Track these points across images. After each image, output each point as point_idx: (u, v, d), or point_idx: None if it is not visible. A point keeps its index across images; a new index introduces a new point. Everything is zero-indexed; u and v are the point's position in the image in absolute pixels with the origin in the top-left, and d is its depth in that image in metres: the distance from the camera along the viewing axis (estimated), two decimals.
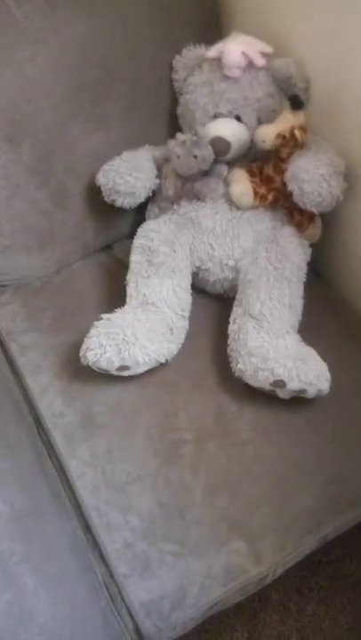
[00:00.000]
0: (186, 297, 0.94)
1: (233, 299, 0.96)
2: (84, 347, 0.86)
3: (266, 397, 0.88)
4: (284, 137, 0.89)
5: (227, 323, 0.93)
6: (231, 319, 0.92)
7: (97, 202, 1.01)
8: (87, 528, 0.79)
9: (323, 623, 1.10)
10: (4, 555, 0.71)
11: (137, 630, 0.73)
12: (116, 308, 0.93)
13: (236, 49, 0.90)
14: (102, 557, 0.77)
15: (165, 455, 0.84)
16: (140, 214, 1.07)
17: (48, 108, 0.94)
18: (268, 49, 0.94)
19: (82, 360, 0.86)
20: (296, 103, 0.91)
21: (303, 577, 1.14)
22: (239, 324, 0.90)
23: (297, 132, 0.88)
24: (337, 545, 1.15)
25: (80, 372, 0.90)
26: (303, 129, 0.90)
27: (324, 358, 0.86)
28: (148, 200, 1.03)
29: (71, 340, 0.94)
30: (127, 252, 0.99)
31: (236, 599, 0.79)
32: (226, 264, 0.96)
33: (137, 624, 0.73)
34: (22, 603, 0.69)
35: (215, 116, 0.96)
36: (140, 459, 0.83)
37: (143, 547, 0.77)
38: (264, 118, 0.95)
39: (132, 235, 1.01)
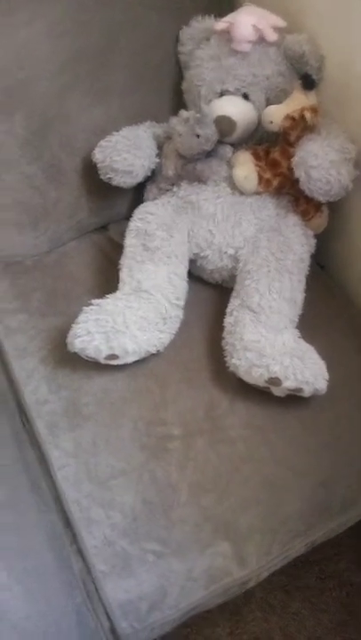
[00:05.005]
0: (181, 285, 0.90)
1: (231, 289, 0.92)
2: (71, 333, 0.82)
3: (259, 394, 0.84)
4: (293, 118, 0.84)
5: (223, 313, 0.89)
6: (228, 310, 0.88)
7: (93, 179, 0.96)
8: (67, 522, 0.76)
9: (307, 622, 1.08)
10: None
11: (113, 630, 0.71)
12: (109, 291, 0.89)
13: (246, 21, 0.84)
14: (81, 553, 0.74)
15: (152, 450, 0.80)
16: (138, 194, 1.02)
17: (44, 76, 0.89)
18: (281, 23, 0.88)
19: (69, 347, 0.83)
20: (308, 83, 0.85)
21: (289, 575, 1.12)
22: (236, 316, 0.86)
23: (307, 114, 0.83)
24: (325, 544, 1.13)
25: (67, 359, 0.86)
26: (314, 111, 0.84)
27: (323, 356, 0.82)
28: (147, 180, 0.98)
29: (60, 325, 0.90)
30: (123, 234, 0.95)
31: (217, 602, 0.76)
32: (225, 252, 0.91)
33: (113, 624, 0.71)
34: None
35: (222, 94, 0.91)
36: (126, 452, 0.80)
37: (124, 544, 0.74)
38: (273, 98, 0.90)
39: (129, 216, 0.96)
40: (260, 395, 0.84)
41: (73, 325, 0.83)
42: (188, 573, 0.73)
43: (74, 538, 0.75)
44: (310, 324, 0.89)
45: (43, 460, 0.80)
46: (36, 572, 0.71)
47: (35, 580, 0.70)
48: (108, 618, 0.71)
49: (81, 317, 0.83)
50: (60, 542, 0.74)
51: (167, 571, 0.73)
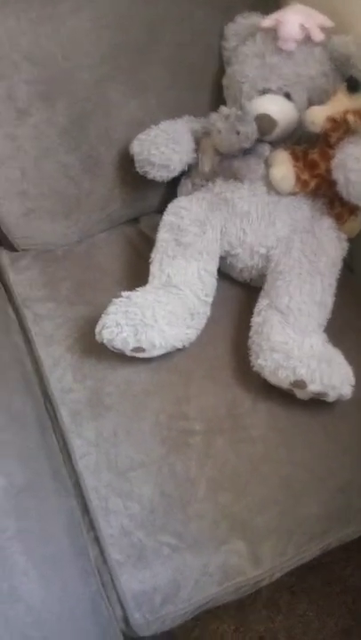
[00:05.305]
0: (211, 282, 0.90)
1: (258, 288, 0.92)
2: (100, 323, 0.83)
3: (282, 395, 0.84)
4: (335, 120, 0.83)
5: (250, 312, 0.89)
6: (256, 310, 0.88)
7: (128, 172, 0.96)
8: (85, 510, 0.77)
9: (311, 624, 1.08)
10: None
11: (126, 620, 0.72)
12: (138, 284, 0.89)
13: (294, 20, 0.83)
14: (97, 541, 0.75)
15: (172, 444, 0.81)
16: (171, 188, 1.02)
17: (87, 66, 0.89)
18: (329, 23, 0.86)
19: (97, 337, 0.83)
20: (352, 85, 0.84)
21: (297, 576, 1.12)
22: (264, 316, 0.86)
23: (350, 117, 0.82)
24: (335, 548, 1.13)
25: (93, 349, 0.86)
26: (357, 114, 0.83)
27: (349, 362, 0.81)
28: (182, 174, 0.98)
29: (87, 314, 0.91)
30: (154, 227, 0.95)
31: (229, 599, 0.77)
32: (257, 251, 0.91)
33: (126, 614, 0.71)
34: (11, 580, 0.67)
35: (263, 92, 0.90)
36: (146, 445, 0.81)
37: (140, 535, 0.75)
38: (315, 98, 0.89)
39: (160, 209, 0.96)
40: (283, 396, 0.84)
41: (102, 316, 0.83)
42: (203, 569, 0.74)
43: (91, 526, 0.76)
44: (337, 329, 0.88)
45: (64, 447, 0.81)
46: (54, 558, 0.72)
47: (51, 565, 0.71)
48: (122, 607, 0.72)
49: (110, 309, 0.83)
50: (77, 530, 0.75)
51: (182, 565, 0.74)
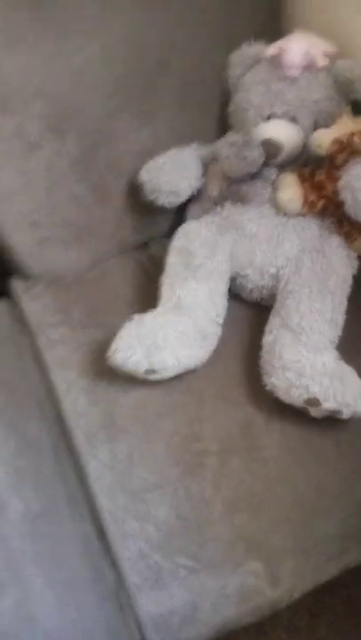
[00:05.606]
0: (222, 303, 0.91)
1: (267, 307, 0.92)
2: (112, 347, 0.84)
3: (295, 413, 0.84)
4: (341, 143, 0.85)
5: (261, 332, 0.90)
6: (267, 329, 0.89)
7: (137, 199, 0.98)
8: (101, 533, 0.77)
9: None
10: (14, 554, 0.70)
11: None
12: (149, 307, 0.90)
13: (298, 48, 0.86)
14: (114, 565, 0.75)
15: (187, 465, 0.81)
16: (180, 213, 1.03)
17: (96, 99, 0.91)
18: (332, 49, 0.89)
19: (109, 360, 0.84)
20: (358, 108, 0.86)
21: (316, 597, 1.10)
22: (275, 335, 0.86)
23: (356, 139, 0.84)
24: (356, 568, 1.11)
25: (106, 372, 0.87)
26: None
27: None
28: (190, 199, 1.00)
29: (100, 338, 0.92)
30: (163, 251, 0.96)
31: (247, 620, 0.76)
32: (267, 271, 0.92)
33: (144, 637, 0.71)
34: (28, 605, 0.68)
35: (269, 117, 0.92)
36: (161, 466, 0.81)
37: (157, 558, 0.74)
38: (321, 122, 0.90)
39: (169, 233, 0.98)
40: (297, 414, 0.84)
41: (114, 339, 0.84)
42: (220, 590, 0.73)
43: (108, 550, 0.76)
44: (349, 346, 0.88)
45: (79, 470, 0.82)
46: (70, 582, 0.72)
47: (68, 589, 0.71)
48: (140, 630, 0.71)
49: (122, 332, 0.84)
50: (94, 554, 0.75)
51: (199, 586, 0.73)
